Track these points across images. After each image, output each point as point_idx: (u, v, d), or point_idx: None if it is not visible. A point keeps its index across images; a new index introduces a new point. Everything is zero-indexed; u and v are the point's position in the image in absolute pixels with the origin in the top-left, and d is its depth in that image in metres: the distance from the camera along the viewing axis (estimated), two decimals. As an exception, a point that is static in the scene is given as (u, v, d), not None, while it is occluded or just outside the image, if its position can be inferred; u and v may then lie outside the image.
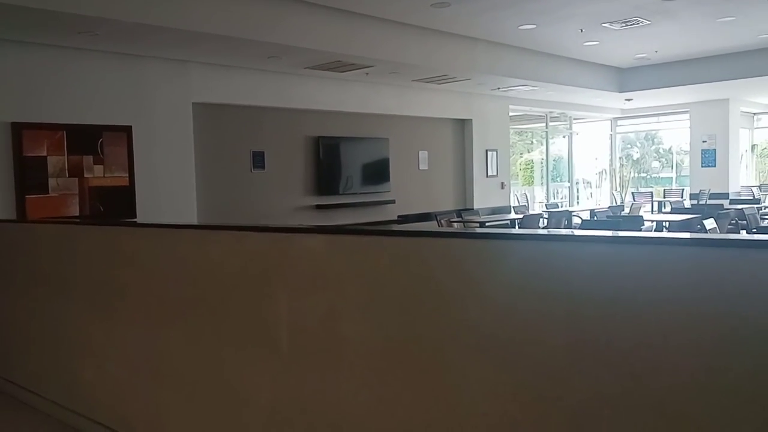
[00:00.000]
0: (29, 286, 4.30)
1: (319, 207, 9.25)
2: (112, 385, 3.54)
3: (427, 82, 9.70)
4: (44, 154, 6.56)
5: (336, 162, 9.52)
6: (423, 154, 10.79)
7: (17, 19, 5.59)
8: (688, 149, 14.98)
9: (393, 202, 10.12)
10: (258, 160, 8.62)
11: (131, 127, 7.15)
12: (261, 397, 2.71)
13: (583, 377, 1.74)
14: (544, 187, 14.34)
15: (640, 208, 11.28)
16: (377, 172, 9.99)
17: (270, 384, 2.66)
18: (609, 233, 1.88)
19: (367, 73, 8.70)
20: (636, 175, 17.60)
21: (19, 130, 6.38)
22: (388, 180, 10.08)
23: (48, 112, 6.56)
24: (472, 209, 10.92)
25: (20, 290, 4.39)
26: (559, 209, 11.38)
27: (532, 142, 15.82)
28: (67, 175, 6.72)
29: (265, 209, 8.58)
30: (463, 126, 11.43)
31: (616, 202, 14.27)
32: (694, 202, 13.42)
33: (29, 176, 6.45)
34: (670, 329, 1.58)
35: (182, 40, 6.61)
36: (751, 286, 1.48)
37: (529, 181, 15.82)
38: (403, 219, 10.25)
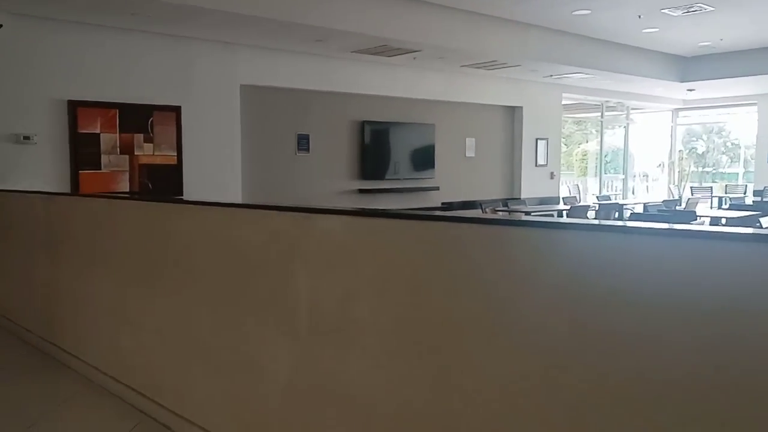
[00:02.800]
0: (76, 257, 4.49)
1: (362, 191, 9.29)
2: (146, 354, 3.68)
3: (476, 67, 9.56)
4: (97, 131, 6.82)
5: (381, 147, 9.52)
6: (470, 141, 10.67)
7: (76, 1, 5.80)
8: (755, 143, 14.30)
9: (437, 189, 10.06)
10: (303, 143, 8.71)
11: (180, 107, 7.34)
12: (279, 371, 2.76)
13: (585, 363, 1.70)
14: (598, 179, 13.98)
15: (697, 203, 10.85)
16: (422, 159, 9.94)
17: (288, 359, 2.72)
18: (647, 225, 1.80)
19: (414, 58, 8.64)
20: (699, 169, 16.89)
21: (74, 107, 6.64)
22: (433, 167, 10.02)
23: (102, 91, 6.80)
24: (519, 199, 10.75)
25: (68, 260, 4.59)
26: (610, 201, 11.07)
27: (591, 132, 15.42)
28: (118, 152, 6.97)
29: (308, 192, 8.67)
30: (512, 113, 11.23)
31: (672, 197, 13.77)
32: (757, 198, 12.81)
33: (83, 152, 6.72)
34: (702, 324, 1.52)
35: (231, 23, 6.72)
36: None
37: (584, 173, 15.44)
38: (447, 206, 10.18)
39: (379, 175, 9.46)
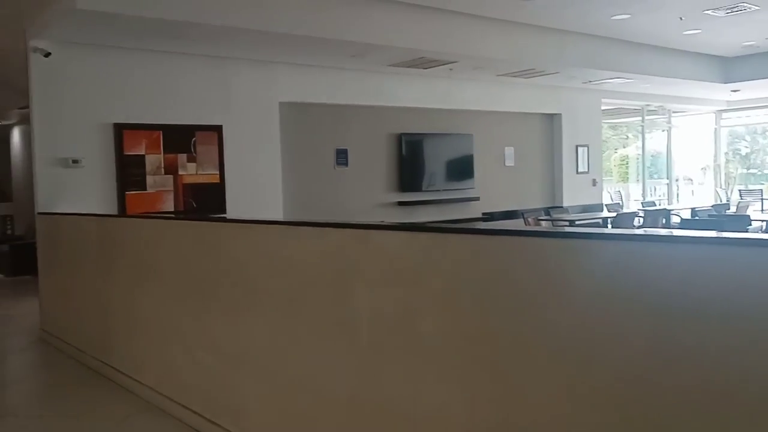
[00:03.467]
0: (128, 278, 4.55)
1: (401, 204, 9.27)
2: (201, 373, 3.69)
3: (514, 76, 9.48)
4: (143, 152, 6.94)
5: (419, 158, 9.49)
6: (509, 150, 10.56)
7: (119, 27, 5.94)
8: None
9: (477, 199, 9.97)
10: (341, 157, 8.74)
11: (222, 126, 7.43)
12: (340, 388, 2.74)
13: (668, 381, 1.64)
14: (640, 184, 13.68)
15: (747, 206, 10.54)
16: (461, 169, 9.88)
17: (349, 376, 2.69)
18: (710, 234, 1.74)
19: (450, 69, 8.61)
20: (745, 171, 16.42)
21: (120, 130, 6.78)
22: (472, 177, 9.94)
23: (146, 113, 6.93)
24: (561, 207, 10.58)
25: (120, 282, 4.66)
26: (656, 207, 10.81)
27: (627, 136, 15.15)
28: (163, 172, 7.08)
29: (347, 205, 8.69)
30: (551, 121, 11.10)
31: (720, 201, 13.39)
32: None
33: (129, 173, 6.85)
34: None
35: (268, 42, 6.79)
36: None
37: (624, 178, 15.15)
38: (488, 216, 10.08)
39: (418, 186, 9.43)
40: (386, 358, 2.50)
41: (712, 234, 1.76)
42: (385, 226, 2.68)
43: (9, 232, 13.39)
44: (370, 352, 2.57)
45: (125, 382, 4.45)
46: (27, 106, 7.14)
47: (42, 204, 6.26)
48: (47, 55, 6.19)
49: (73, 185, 6.46)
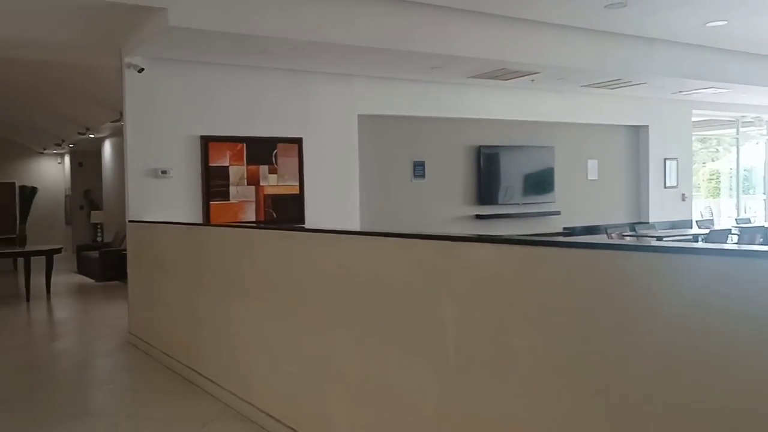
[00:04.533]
0: (214, 286, 4.65)
1: (479, 217, 9.12)
2: (284, 382, 3.70)
3: (598, 87, 9.18)
4: (227, 164, 7.14)
5: (497, 171, 9.33)
6: (592, 163, 10.23)
7: (207, 43, 6.15)
8: None
9: (558, 213, 9.69)
10: (419, 169, 8.70)
11: (302, 138, 7.55)
12: (427, 404, 2.67)
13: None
14: (734, 200, 12.94)
15: None
16: (541, 182, 9.63)
17: (436, 392, 2.62)
18: None
19: (532, 80, 8.43)
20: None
21: (206, 142, 7.00)
22: (553, 190, 9.68)
23: (230, 126, 7.14)
24: (647, 223, 10.13)
25: (206, 289, 4.77)
26: (752, 224, 10.16)
27: (717, 150, 14.39)
28: (245, 183, 7.26)
29: (424, 218, 8.63)
30: (638, 133, 10.67)
31: (821, 217, 12.48)
32: None
33: (213, 184, 7.05)
34: None
35: (348, 55, 6.86)
36: None
37: (715, 193, 14.38)
38: (569, 231, 9.77)
39: (496, 200, 9.26)
40: (475, 375, 2.43)
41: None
42: (473, 237, 2.60)
43: (99, 239, 14.12)
44: (459, 368, 2.51)
45: (210, 388, 4.53)
46: (118, 120, 7.51)
47: (133, 212, 6.54)
48: (141, 70, 6.49)
49: (162, 195, 6.71)
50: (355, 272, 3.13)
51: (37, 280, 9.22)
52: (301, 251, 3.61)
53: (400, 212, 8.51)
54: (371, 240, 3.13)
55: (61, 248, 10.08)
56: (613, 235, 8.81)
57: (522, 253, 2.33)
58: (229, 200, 7.15)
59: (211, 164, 7.04)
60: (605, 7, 6.94)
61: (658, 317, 1.83)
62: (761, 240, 8.65)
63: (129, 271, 6.57)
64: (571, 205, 9.86)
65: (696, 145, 12.59)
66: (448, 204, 8.99)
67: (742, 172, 13.13)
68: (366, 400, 3.03)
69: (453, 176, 9.02)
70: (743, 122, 12.42)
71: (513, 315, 2.29)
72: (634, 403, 1.88)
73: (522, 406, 2.24)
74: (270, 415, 3.77)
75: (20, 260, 10.37)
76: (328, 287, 3.32)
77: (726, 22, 7.80)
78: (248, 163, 7.28)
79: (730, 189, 13.21)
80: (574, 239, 2.24)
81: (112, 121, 10.34)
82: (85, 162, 15.71)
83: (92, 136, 12.79)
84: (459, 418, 2.51)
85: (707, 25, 7.86)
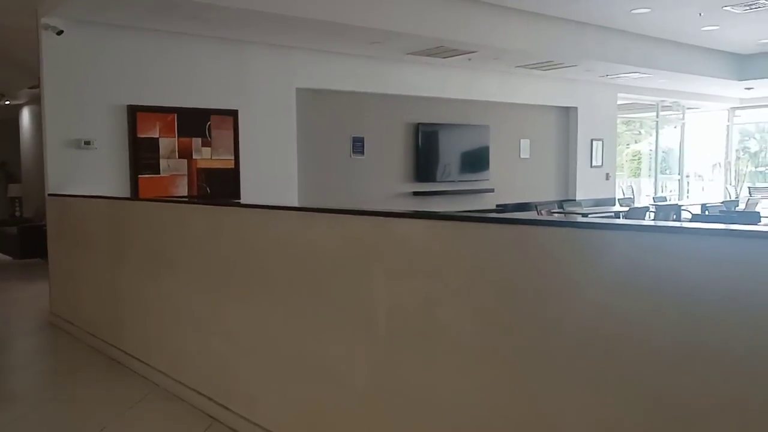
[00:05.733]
0: (140, 262, 4.51)
1: (416, 194, 9.21)
2: (215, 358, 3.65)
3: (532, 68, 9.38)
4: (156, 135, 6.89)
5: (435, 149, 9.42)
6: (524, 143, 10.48)
7: (134, 6, 5.87)
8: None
9: (492, 191, 9.91)
10: (358, 145, 8.68)
11: (237, 111, 7.37)
12: (357, 377, 2.70)
13: (691, 379, 1.64)
14: (652, 180, 13.58)
15: (757, 203, 10.48)
16: (477, 160, 9.81)
17: (367, 365, 2.65)
18: (722, 225, 1.77)
19: (469, 59, 8.52)
20: (753, 169, 16.33)
21: (133, 112, 6.72)
22: (488, 168, 9.87)
23: (160, 96, 6.87)
24: (574, 200, 10.51)
25: (132, 265, 4.62)
26: (668, 203, 10.73)
27: (640, 132, 15.01)
28: (177, 156, 7.03)
29: (363, 194, 8.63)
30: (567, 114, 11.00)
31: (730, 197, 13.28)
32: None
33: (142, 157, 6.80)
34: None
35: (287, 26, 6.71)
36: None
37: (636, 173, 15.04)
38: (502, 208, 10.02)
39: (433, 177, 9.37)
40: (404, 348, 2.48)
41: (726, 227, 1.79)
42: (405, 213, 2.62)
43: (18, 214, 13.41)
44: (388, 341, 2.55)
45: (137, 367, 4.42)
46: (37, 86, 7.07)
47: (53, 186, 6.22)
48: (60, 33, 6.12)
49: (85, 167, 6.41)
50: (288, 247, 3.10)
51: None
52: (233, 226, 3.55)
53: (338, 188, 8.48)
54: (305, 215, 3.11)
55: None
56: (542, 211, 9.09)
57: (450, 228, 2.38)
58: (159, 174, 6.91)
59: (139, 135, 6.77)
60: (539, -11, 7.07)
61: (578, 290, 1.91)
62: (674, 217, 9.15)
63: (49, 247, 6.28)
64: (505, 183, 10.09)
65: (621, 127, 13.10)
66: (386, 181, 9.02)
67: (660, 154, 13.77)
68: (298, 375, 3.03)
69: (392, 153, 9.05)
70: (663, 106, 12.99)
71: (441, 289, 2.34)
72: (553, 374, 1.97)
73: (448, 378, 2.30)
74: (201, 393, 3.72)
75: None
76: (260, 262, 3.28)
77: (649, 10, 8.10)
78: (180, 135, 7.04)
79: (650, 169, 13.85)
80: (499, 215, 2.30)
81: (29, 87, 9.74)
82: (1, 131, 14.81)
83: (7, 103, 12.04)
84: (389, 391, 2.55)
85: (632, 11, 8.15)
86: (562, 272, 1.96)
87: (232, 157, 7.37)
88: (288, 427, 3.09)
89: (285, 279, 3.10)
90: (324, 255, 2.87)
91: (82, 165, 6.39)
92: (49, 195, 6.22)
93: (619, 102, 11.71)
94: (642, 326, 1.75)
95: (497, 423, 2.14)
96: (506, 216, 2.26)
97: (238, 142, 7.38)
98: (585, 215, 8.79)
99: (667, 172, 14.20)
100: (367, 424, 2.66)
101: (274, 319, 3.18)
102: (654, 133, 13.39)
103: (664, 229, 1.80)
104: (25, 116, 12.98)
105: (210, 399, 3.64)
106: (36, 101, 10.57)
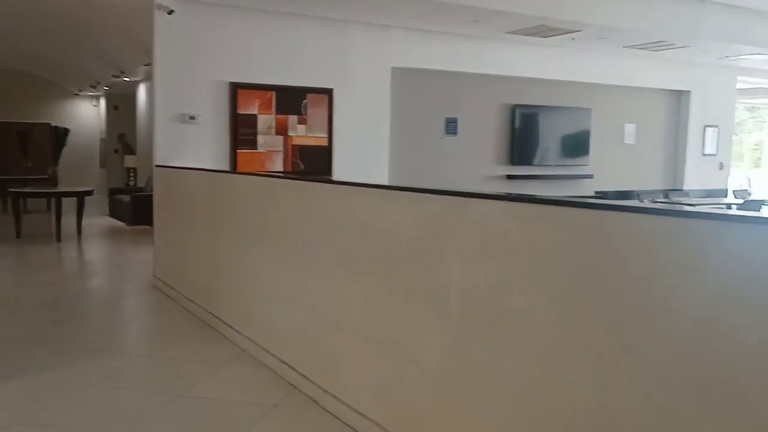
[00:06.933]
0: (236, 233, 4.70)
1: (510, 177, 9.00)
2: (298, 329, 3.75)
3: (641, 48, 8.84)
4: (255, 112, 7.13)
5: (532, 132, 9.15)
6: (630, 128, 9.94)
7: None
8: None
9: (591, 177, 9.51)
10: (451, 126, 8.57)
11: (333, 89, 7.48)
12: (429, 357, 2.68)
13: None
14: (775, 172, 12.51)
15: None
16: (575, 145, 9.43)
17: (439, 347, 2.63)
18: None
19: (573, 38, 8.15)
20: None
21: (234, 89, 6.98)
22: (587, 153, 9.47)
23: (260, 74, 7.09)
24: (682, 190, 9.87)
25: (228, 236, 4.82)
26: (792, 197, 9.82)
27: (765, 119, 13.84)
28: (274, 133, 7.25)
29: (454, 176, 8.54)
30: (679, 98, 10.31)
31: None
32: None
33: (241, 132, 7.06)
34: None
35: (385, 4, 6.70)
36: None
37: (758, 164, 13.91)
38: (601, 195, 9.59)
39: (529, 160, 9.11)
40: (475, 331, 2.44)
41: None
42: (484, 194, 2.55)
43: (132, 183, 14.35)
44: (460, 323, 2.51)
45: (227, 332, 4.63)
46: (150, 63, 7.49)
47: (160, 157, 6.60)
48: (171, 12, 6.44)
49: (189, 141, 6.75)
50: (368, 225, 3.11)
51: (70, 221, 9.45)
52: (319, 202, 3.61)
53: (429, 169, 8.44)
54: (385, 193, 3.10)
55: (92, 190, 10.25)
56: (645, 200, 8.60)
57: (527, 210, 2.29)
58: (256, 149, 7.16)
59: (239, 111, 7.04)
60: (652, -38, 6.62)
61: (658, 281, 1.78)
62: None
63: (155, 215, 6.67)
64: (606, 169, 9.66)
65: (744, 114, 12.14)
66: (479, 163, 8.87)
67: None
68: (372, 352, 3.06)
69: (486, 135, 8.88)
70: (794, 91, 11.89)
71: (516, 273, 2.27)
72: (626, 367, 1.87)
73: (517, 364, 2.25)
74: (283, 361, 3.84)
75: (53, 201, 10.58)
76: (342, 238, 3.32)
77: (782, -17, 7.38)
78: (277, 112, 7.25)
79: (774, 161, 12.76)
80: (582, 199, 2.17)
81: (145, 65, 10.36)
82: (121, 106, 15.86)
83: (127, 79, 12.86)
84: (459, 374, 2.52)
85: (762, -15, 7.46)
86: (643, 261, 1.83)
87: (326, 135, 7.50)
88: (362, 401, 3.13)
89: (364, 256, 3.12)
90: (401, 234, 2.86)
91: (186, 138, 6.73)
92: (157, 166, 6.61)
93: (739, 86, 10.82)
94: (726, 325, 1.61)
95: (566, 414, 2.06)
96: (581, 200, 2.13)
97: (332, 120, 7.50)
98: (692, 206, 8.23)
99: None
100: (437, 405, 2.64)
101: (353, 295, 3.22)
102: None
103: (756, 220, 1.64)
104: (141, 92, 13.83)
105: (292, 368, 3.75)
106: (150, 78, 11.22)
